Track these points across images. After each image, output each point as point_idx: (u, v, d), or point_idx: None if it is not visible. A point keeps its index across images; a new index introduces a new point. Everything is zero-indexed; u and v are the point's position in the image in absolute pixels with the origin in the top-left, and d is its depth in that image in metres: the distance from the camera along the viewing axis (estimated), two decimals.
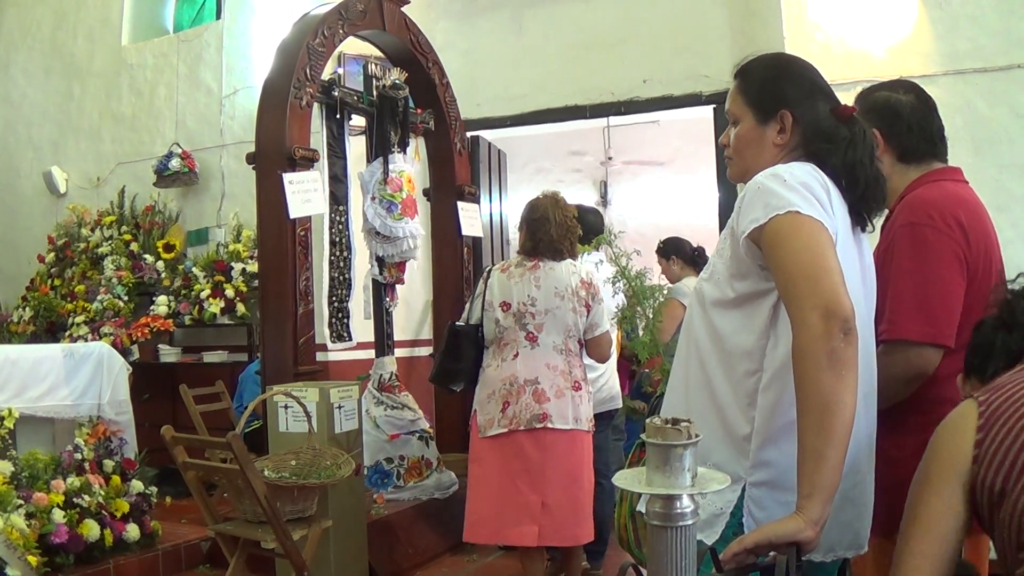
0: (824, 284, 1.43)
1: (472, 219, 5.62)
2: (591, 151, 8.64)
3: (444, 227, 5.58)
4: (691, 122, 6.67)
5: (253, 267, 6.16)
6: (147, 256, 6.74)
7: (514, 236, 6.91)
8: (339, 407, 3.80)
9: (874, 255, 1.79)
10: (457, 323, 3.87)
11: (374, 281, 4.92)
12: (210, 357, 6.30)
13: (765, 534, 1.36)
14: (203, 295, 6.37)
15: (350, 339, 4.77)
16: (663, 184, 8.62)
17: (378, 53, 5.38)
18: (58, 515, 3.71)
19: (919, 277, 1.88)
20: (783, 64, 1.79)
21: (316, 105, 4.50)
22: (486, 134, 6.54)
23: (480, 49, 6.43)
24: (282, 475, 3.27)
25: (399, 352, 5.27)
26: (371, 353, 5.03)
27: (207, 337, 6.53)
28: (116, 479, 4.13)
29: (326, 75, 4.59)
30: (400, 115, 4.87)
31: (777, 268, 1.51)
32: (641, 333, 3.83)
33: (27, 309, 6.97)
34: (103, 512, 3.93)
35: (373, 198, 4.68)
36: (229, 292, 6.32)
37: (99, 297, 6.61)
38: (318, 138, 4.66)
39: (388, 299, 4.97)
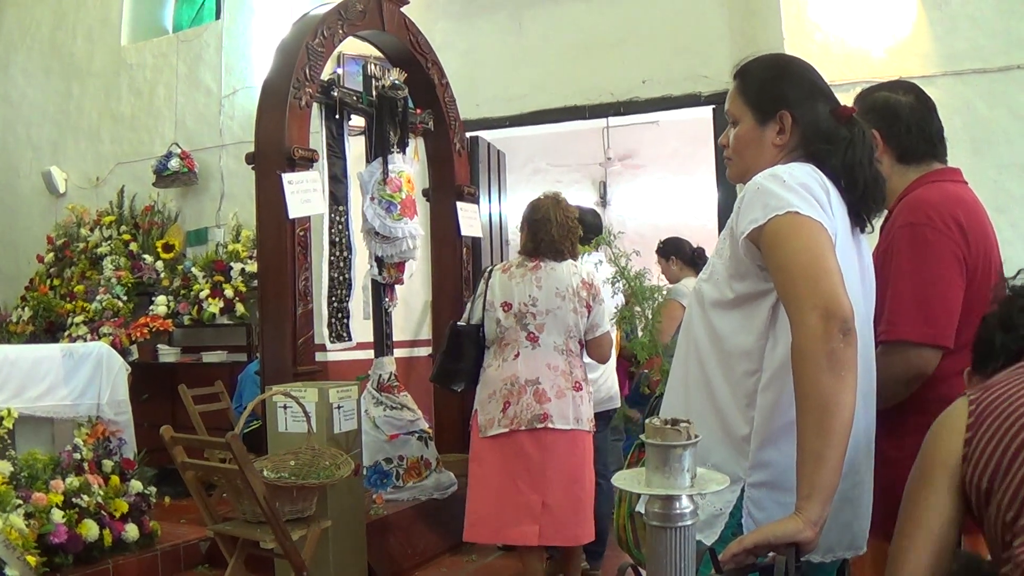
0: (823, 285, 1.43)
1: (471, 219, 5.62)
2: (590, 151, 8.64)
3: (443, 227, 5.58)
4: (690, 123, 6.68)
5: (252, 267, 6.16)
6: (146, 256, 6.75)
7: (513, 236, 6.92)
8: (338, 407, 3.79)
9: (873, 256, 1.79)
10: (458, 323, 3.88)
11: (373, 281, 4.92)
12: (209, 357, 6.30)
13: (764, 535, 1.36)
14: (202, 295, 6.37)
15: (350, 339, 4.77)
16: (662, 185, 8.62)
17: (377, 53, 5.38)
18: (57, 515, 3.71)
19: (918, 278, 1.88)
20: (783, 65, 1.79)
21: (315, 105, 4.50)
22: (485, 134, 6.54)
23: (479, 49, 6.43)
24: (281, 475, 3.27)
25: (398, 352, 5.27)
26: (370, 353, 5.03)
27: (206, 337, 6.53)
28: (115, 479, 4.13)
29: (325, 75, 4.58)
30: (399, 115, 4.87)
31: (776, 269, 1.51)
32: (640, 334, 3.83)
33: (26, 309, 6.98)
34: (102, 512, 3.93)
35: (372, 198, 4.68)
36: (228, 292, 6.33)
37: (98, 297, 6.61)
38: (317, 138, 4.66)
39: (387, 299, 4.97)
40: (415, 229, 4.79)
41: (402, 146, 4.90)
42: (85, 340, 6.07)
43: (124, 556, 4.01)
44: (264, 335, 4.32)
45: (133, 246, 6.87)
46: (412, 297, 6.25)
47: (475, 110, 6.27)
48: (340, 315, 4.73)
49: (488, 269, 3.88)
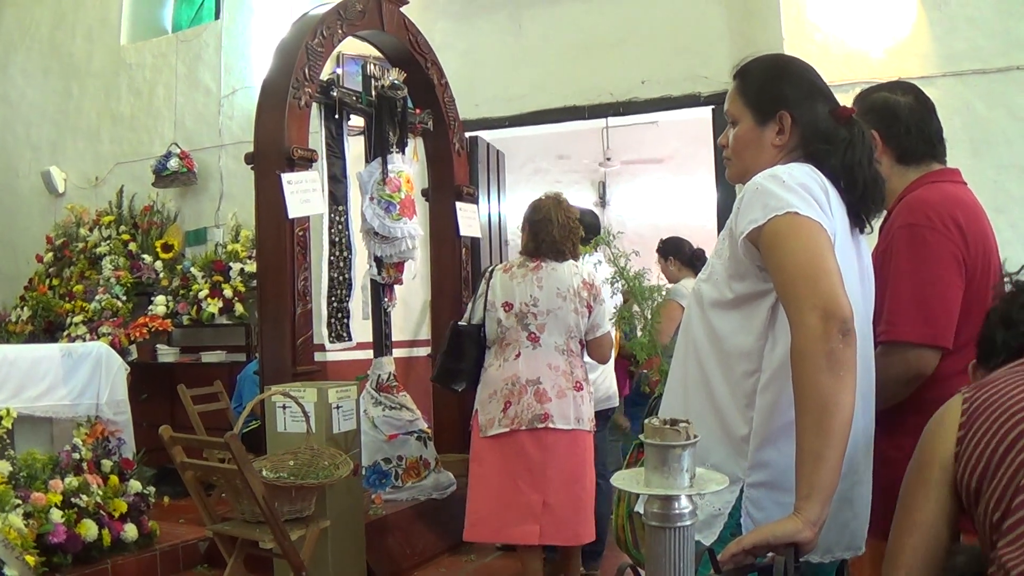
0: (823, 285, 1.43)
1: (470, 219, 5.62)
2: (590, 152, 8.63)
3: (442, 227, 5.58)
4: (690, 123, 6.67)
5: (251, 267, 6.16)
6: (145, 256, 6.75)
7: (512, 237, 6.92)
8: (337, 407, 3.79)
9: (872, 256, 1.79)
10: (459, 323, 3.88)
11: (372, 281, 4.92)
12: (208, 357, 6.30)
13: (763, 535, 1.36)
14: (201, 295, 6.37)
15: (350, 339, 4.77)
16: (661, 185, 8.62)
17: (377, 53, 5.38)
18: (56, 515, 3.71)
19: (917, 278, 1.88)
20: (782, 65, 1.79)
21: (315, 105, 4.50)
22: (485, 134, 6.54)
23: (479, 49, 6.43)
24: (280, 475, 3.27)
25: (397, 352, 5.27)
26: (369, 353, 5.03)
27: (205, 337, 6.53)
28: (114, 479, 4.13)
29: (325, 75, 4.58)
30: (399, 115, 4.87)
31: (776, 269, 1.51)
32: (640, 334, 3.84)
33: (25, 309, 6.97)
34: (101, 512, 3.92)
35: (372, 198, 4.68)
36: (227, 292, 6.33)
37: (97, 297, 6.60)
38: (317, 138, 4.66)
39: (386, 299, 4.97)
40: (414, 229, 4.79)
41: (401, 146, 4.90)
42: (84, 340, 6.07)
43: (123, 556, 4.00)
44: (263, 335, 4.32)
45: (132, 246, 6.87)
46: (411, 297, 6.25)
47: (474, 110, 6.27)
48: (340, 315, 4.73)
49: (489, 269, 3.89)
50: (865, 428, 1.63)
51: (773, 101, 1.70)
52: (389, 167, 4.73)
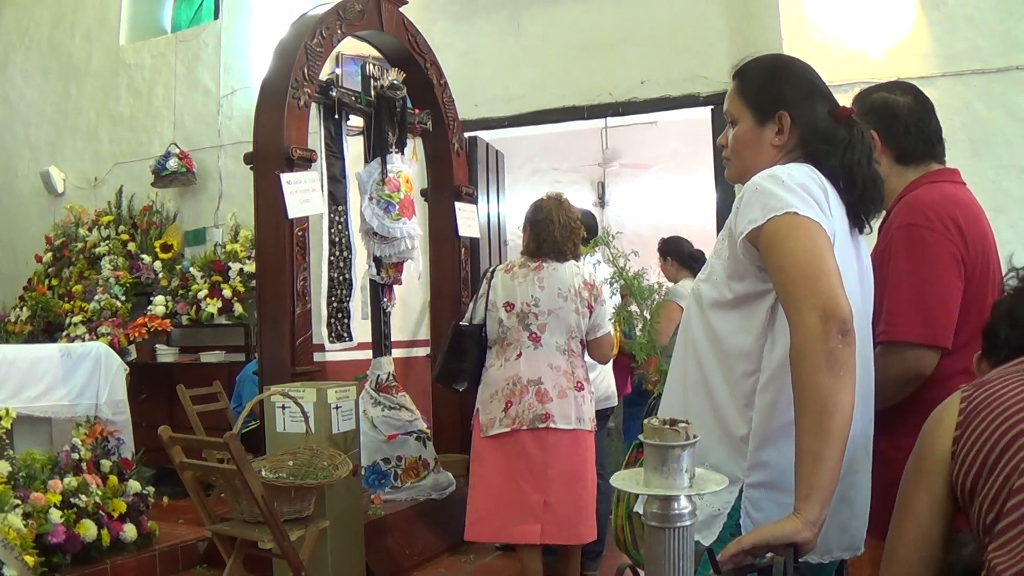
0: (822, 285, 1.43)
1: (469, 220, 5.62)
2: (589, 152, 8.63)
3: (442, 227, 5.58)
4: (689, 123, 6.67)
5: (251, 267, 6.16)
6: (144, 256, 6.75)
7: (512, 237, 6.93)
8: (336, 407, 3.79)
9: (871, 256, 1.79)
10: (461, 323, 3.89)
11: (372, 281, 4.92)
12: (207, 357, 6.30)
13: (763, 535, 1.36)
14: (200, 295, 6.37)
15: (350, 339, 4.77)
16: (661, 185, 8.62)
17: (376, 53, 5.38)
18: (55, 515, 3.71)
19: (916, 278, 1.88)
20: (781, 65, 1.79)
21: (314, 105, 4.50)
22: (484, 135, 6.54)
23: (478, 50, 6.43)
24: (279, 475, 3.27)
25: (396, 352, 5.27)
26: (369, 353, 5.03)
27: (204, 337, 6.53)
28: (113, 479, 4.13)
29: (324, 75, 4.58)
30: (398, 115, 4.87)
31: (775, 269, 1.51)
32: (639, 334, 3.84)
33: (24, 309, 6.97)
34: (100, 512, 3.92)
35: (371, 198, 4.67)
36: (227, 292, 6.33)
37: (96, 297, 6.60)
38: (316, 138, 4.66)
39: (386, 299, 4.97)
40: (413, 229, 4.79)
41: (400, 146, 4.90)
42: (83, 340, 6.07)
43: (122, 556, 4.00)
44: (262, 335, 4.32)
45: (131, 246, 6.87)
46: (410, 297, 6.25)
47: (474, 110, 6.27)
48: (340, 315, 4.73)
49: (490, 269, 3.89)
50: (864, 428, 1.63)
51: (772, 101, 1.70)
52: (388, 167, 4.73)
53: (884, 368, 1.76)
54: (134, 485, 4.20)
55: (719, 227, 5.65)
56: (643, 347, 3.63)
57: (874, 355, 1.71)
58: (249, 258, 6.31)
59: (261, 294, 4.38)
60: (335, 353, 5.05)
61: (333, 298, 4.68)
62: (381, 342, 4.95)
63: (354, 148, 4.93)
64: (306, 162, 4.29)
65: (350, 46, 5.35)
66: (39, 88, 7.87)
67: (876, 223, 1.83)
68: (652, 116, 6.55)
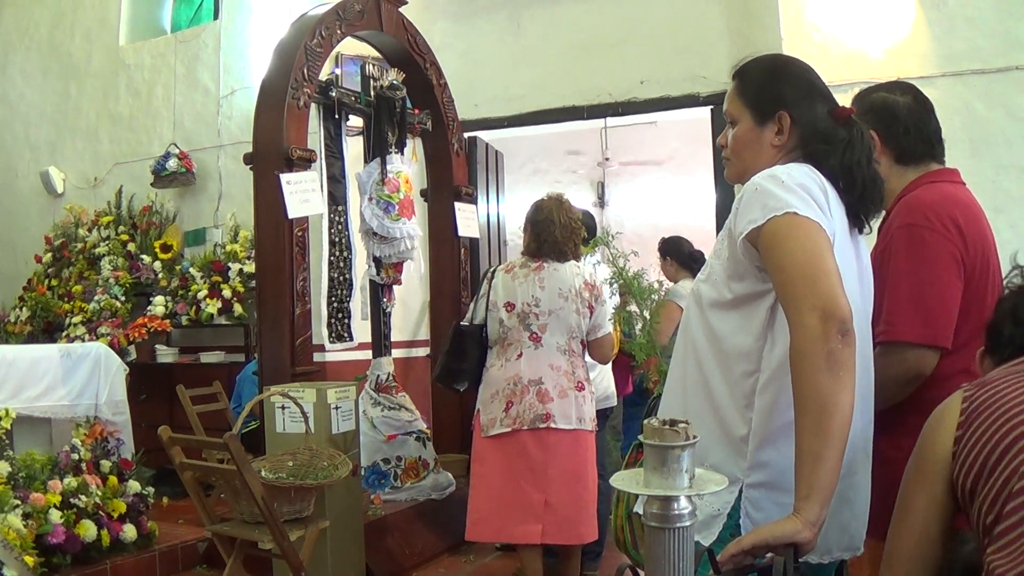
0: (822, 285, 1.43)
1: (469, 220, 5.62)
2: (589, 152, 8.63)
3: (441, 228, 5.58)
4: (689, 123, 6.67)
5: (250, 267, 6.16)
6: (144, 256, 6.74)
7: (511, 237, 6.93)
8: (336, 408, 3.79)
9: (871, 256, 1.79)
10: (462, 323, 3.89)
11: (371, 282, 4.92)
12: (207, 357, 6.30)
13: (762, 535, 1.36)
14: (200, 295, 6.37)
15: (351, 339, 4.77)
16: (660, 185, 8.61)
17: (376, 53, 5.38)
18: (55, 515, 3.71)
19: (916, 278, 1.88)
20: (781, 65, 1.79)
21: (313, 106, 4.50)
22: (484, 135, 6.54)
23: (478, 50, 6.43)
24: (279, 476, 3.27)
25: (396, 353, 5.27)
26: (368, 354, 5.03)
27: (204, 337, 6.53)
28: (113, 479, 4.13)
29: (323, 75, 4.58)
30: (397, 116, 4.87)
31: (775, 269, 1.51)
32: (639, 334, 3.84)
33: (24, 309, 6.97)
34: (100, 512, 3.92)
35: (370, 199, 4.67)
36: (226, 292, 6.33)
37: (96, 297, 6.60)
38: (315, 139, 4.66)
39: (385, 300, 4.96)
40: (413, 229, 4.79)
41: (400, 146, 4.90)
42: (83, 340, 6.07)
43: (122, 556, 4.00)
44: (262, 335, 4.32)
45: (131, 246, 6.87)
46: (410, 297, 6.25)
47: (473, 110, 6.27)
48: (341, 315, 4.73)
49: (491, 269, 3.90)
50: (864, 428, 1.63)
51: (772, 101, 1.69)
52: (388, 167, 4.73)
53: (884, 368, 1.76)
54: (134, 485, 4.20)
55: (719, 227, 5.65)
56: (643, 347, 3.64)
57: (874, 355, 1.71)
58: (249, 258, 6.31)
59: (261, 294, 4.38)
60: (335, 353, 5.05)
61: (334, 298, 4.68)
62: (381, 342, 4.95)
63: (354, 148, 4.94)
64: (306, 162, 4.29)
65: (350, 46, 5.35)
66: (39, 88, 7.87)
67: (876, 223, 1.83)
68: (652, 116, 6.54)
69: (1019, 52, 4.78)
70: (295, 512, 3.24)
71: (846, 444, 1.41)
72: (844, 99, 1.83)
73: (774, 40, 5.19)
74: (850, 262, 1.63)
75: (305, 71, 4.33)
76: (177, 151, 6.81)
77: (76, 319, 6.62)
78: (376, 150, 4.78)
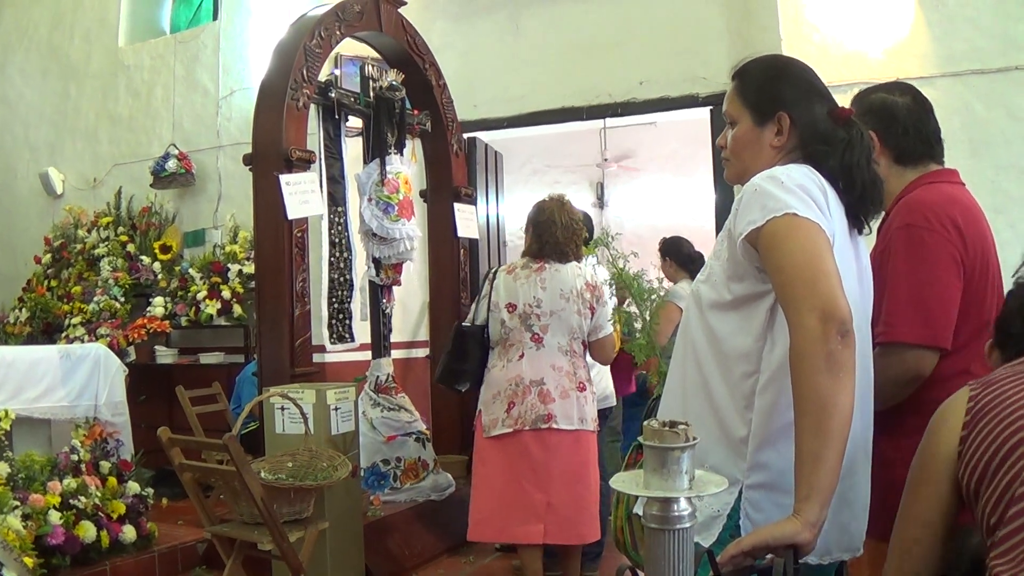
0: (821, 286, 1.43)
1: (468, 221, 5.62)
2: (588, 153, 8.63)
3: (441, 228, 5.58)
4: (688, 124, 6.67)
5: (250, 268, 6.15)
6: (144, 257, 6.74)
7: (511, 238, 6.92)
8: (336, 409, 3.79)
9: (871, 257, 1.79)
10: (463, 324, 3.90)
11: (371, 282, 4.92)
12: (207, 358, 6.30)
13: (762, 536, 1.36)
14: (200, 296, 6.37)
15: (352, 340, 4.77)
16: (660, 186, 8.62)
17: (375, 54, 5.38)
18: (54, 516, 3.70)
19: (915, 279, 1.88)
20: (781, 66, 1.79)
21: (313, 106, 4.50)
22: (483, 135, 6.54)
23: (477, 50, 6.43)
24: (279, 477, 3.27)
25: (396, 353, 5.27)
26: (368, 355, 5.03)
27: (204, 338, 6.52)
28: (112, 480, 4.12)
29: (323, 76, 4.58)
30: (397, 116, 4.87)
31: (774, 270, 1.50)
32: (638, 335, 3.83)
33: (23, 310, 6.97)
34: (99, 513, 3.92)
35: (370, 199, 4.67)
36: (226, 293, 6.32)
37: (95, 298, 6.60)
38: (315, 140, 4.65)
39: (385, 300, 4.96)
40: (412, 230, 4.79)
41: (399, 147, 4.90)
42: (82, 341, 6.06)
43: (121, 557, 4.00)
44: (261, 336, 4.32)
45: (130, 247, 6.87)
46: (409, 298, 6.25)
47: (473, 111, 6.27)
48: (341, 316, 4.73)
49: (492, 270, 3.91)
50: (863, 429, 1.62)
51: (772, 102, 1.69)
52: (387, 168, 4.73)
53: (883, 369, 1.76)
54: (133, 486, 4.20)
55: (718, 228, 5.65)
56: (642, 348, 3.63)
57: (873, 356, 1.71)
58: (248, 259, 6.31)
59: (260, 295, 4.38)
60: (334, 354, 5.05)
61: (334, 299, 4.68)
62: (380, 343, 4.95)
63: (353, 149, 4.94)
64: (305, 163, 4.29)
65: (349, 47, 5.35)
66: (38, 89, 7.87)
67: (875, 224, 1.82)
68: (651, 117, 6.55)
69: (1019, 52, 4.78)
70: (294, 513, 3.24)
71: (846, 445, 1.41)
72: (844, 100, 1.83)
73: (773, 41, 5.19)
74: (850, 263, 1.62)
75: (304, 72, 4.33)
76: (176, 152, 6.81)
77: (75, 320, 6.61)
78: (375, 151, 4.78)
